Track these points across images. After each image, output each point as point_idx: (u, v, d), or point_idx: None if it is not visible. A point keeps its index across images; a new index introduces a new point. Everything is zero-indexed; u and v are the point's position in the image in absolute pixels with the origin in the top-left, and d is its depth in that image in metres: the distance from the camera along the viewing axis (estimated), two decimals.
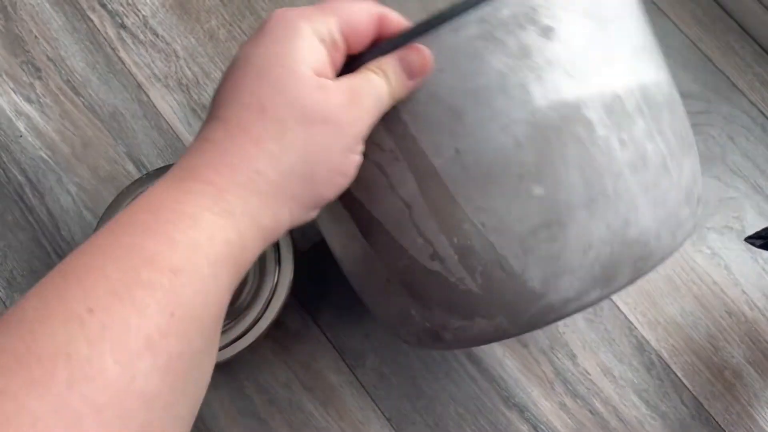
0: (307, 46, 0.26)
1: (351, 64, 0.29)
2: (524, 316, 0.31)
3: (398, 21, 0.30)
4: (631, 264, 0.30)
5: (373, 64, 0.28)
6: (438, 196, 0.30)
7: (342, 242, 0.36)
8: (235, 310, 0.47)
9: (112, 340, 0.20)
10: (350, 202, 0.33)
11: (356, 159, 0.27)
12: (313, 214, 0.27)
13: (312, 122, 0.25)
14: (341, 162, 0.26)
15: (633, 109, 0.30)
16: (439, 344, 0.34)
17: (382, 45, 0.29)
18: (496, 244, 0.30)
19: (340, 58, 0.28)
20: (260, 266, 0.47)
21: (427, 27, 0.28)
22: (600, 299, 0.31)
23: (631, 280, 0.31)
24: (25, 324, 0.20)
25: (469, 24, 0.28)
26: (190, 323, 0.21)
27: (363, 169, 0.30)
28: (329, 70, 0.27)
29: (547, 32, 0.29)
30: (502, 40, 0.28)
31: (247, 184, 0.24)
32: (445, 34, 0.28)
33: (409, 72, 0.28)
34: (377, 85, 0.27)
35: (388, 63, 0.27)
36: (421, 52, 0.28)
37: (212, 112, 0.26)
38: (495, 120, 0.29)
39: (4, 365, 0.19)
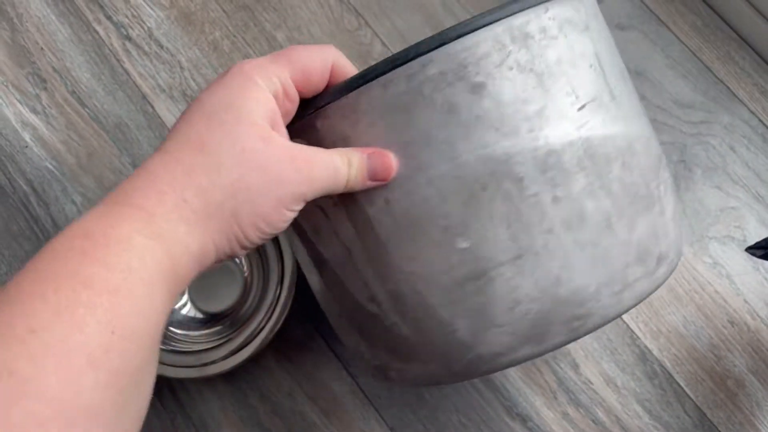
0: (259, 98, 0.27)
1: (301, 109, 0.30)
2: (456, 365, 0.32)
3: (349, 67, 0.31)
4: (564, 323, 0.30)
5: (344, 151, 0.29)
6: (372, 243, 0.31)
7: (307, 272, 0.37)
8: (239, 319, 0.47)
9: (55, 357, 0.20)
10: (305, 241, 0.34)
11: (288, 215, 0.28)
12: (239, 252, 0.28)
13: (250, 167, 0.26)
14: (270, 212, 0.27)
15: (572, 164, 0.29)
16: (388, 381, 0.35)
17: (319, 96, 0.30)
18: (424, 292, 0.30)
19: (292, 108, 0.29)
20: (263, 276, 0.47)
21: (362, 80, 0.29)
22: (534, 356, 0.31)
23: (569, 340, 0.31)
24: None
25: (399, 80, 0.29)
26: (129, 341, 0.22)
27: (311, 212, 0.32)
28: (279, 122, 0.28)
29: (476, 89, 0.29)
30: (430, 96, 0.29)
31: (174, 211, 0.25)
32: (376, 88, 0.29)
33: (372, 173, 0.29)
34: (334, 164, 0.28)
35: (356, 155, 0.29)
36: (387, 159, 0.29)
37: (160, 147, 0.27)
38: (421, 173, 0.29)
39: None
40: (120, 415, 0.22)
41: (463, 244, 0.29)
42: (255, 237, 0.27)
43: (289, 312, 0.45)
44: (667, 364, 0.49)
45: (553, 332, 0.30)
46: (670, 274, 0.34)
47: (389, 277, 0.31)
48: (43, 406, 0.20)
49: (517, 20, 0.29)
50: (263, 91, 0.27)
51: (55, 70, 0.55)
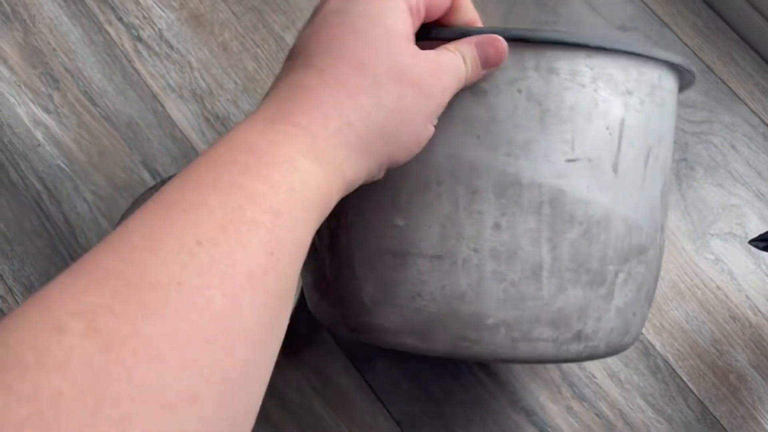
0: (400, 10, 0.26)
1: (421, 35, 0.30)
2: (352, 321, 0.33)
3: (470, 5, 0.31)
4: (452, 336, 0.31)
5: (453, 46, 0.28)
6: None
7: None
8: None
9: (220, 272, 0.20)
10: None
11: (431, 130, 0.28)
12: (382, 174, 0.28)
13: (405, 84, 0.25)
14: (422, 129, 0.27)
15: (530, 204, 0.30)
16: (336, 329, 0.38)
17: (456, 30, 0.30)
18: (353, 245, 0.32)
19: (418, 25, 0.29)
20: None
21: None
22: (418, 350, 0.32)
23: (450, 353, 0.32)
24: (136, 252, 0.20)
25: None
26: (286, 264, 0.22)
27: None
28: (412, 38, 0.27)
29: (478, 93, 0.30)
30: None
31: (338, 135, 0.24)
32: None
33: (484, 61, 0.29)
34: (457, 65, 0.28)
35: (467, 48, 0.28)
36: (499, 43, 0.29)
37: (302, 60, 0.26)
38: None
39: (118, 291, 0.19)
40: (271, 338, 0.22)
41: (399, 222, 0.31)
42: (405, 158, 0.27)
43: (297, 306, 0.46)
44: (670, 359, 0.50)
45: (438, 338, 0.31)
46: (589, 357, 0.33)
47: (336, 220, 0.32)
48: (209, 321, 0.19)
49: (550, 51, 0.29)
50: (403, 5, 0.27)
51: (67, 70, 0.56)
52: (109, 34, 0.57)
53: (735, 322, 0.51)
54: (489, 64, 0.29)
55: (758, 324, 0.50)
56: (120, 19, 0.58)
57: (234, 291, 0.20)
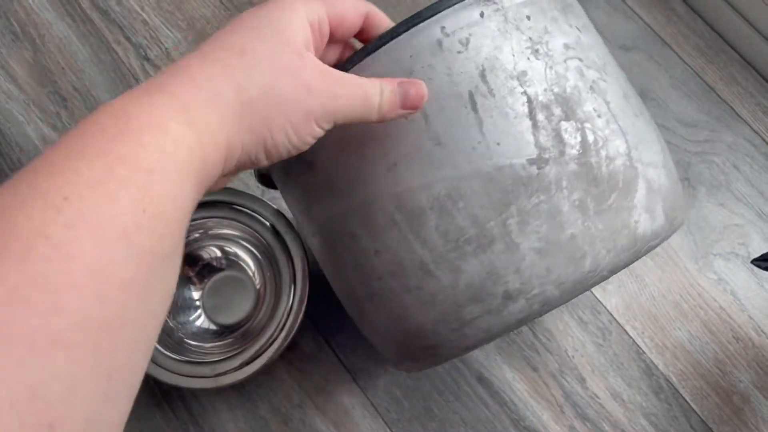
0: (298, 22, 0.28)
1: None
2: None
3: (384, 20, 0.33)
4: (421, 349, 0.35)
5: (374, 80, 0.30)
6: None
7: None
8: (251, 331, 0.48)
9: (89, 226, 0.21)
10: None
11: (316, 131, 0.28)
12: (263, 161, 0.28)
13: (282, 73, 0.27)
14: (299, 121, 0.27)
15: (385, 220, 0.32)
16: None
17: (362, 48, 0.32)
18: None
19: (321, 44, 0.30)
20: (276, 288, 0.48)
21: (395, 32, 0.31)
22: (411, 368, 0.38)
23: (433, 363, 0.36)
24: (2, 211, 0.20)
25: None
26: (160, 222, 0.23)
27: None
28: (311, 50, 0.29)
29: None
30: None
31: (209, 104, 0.25)
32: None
33: (404, 100, 0.30)
34: (367, 90, 0.29)
35: (387, 83, 0.30)
36: (420, 87, 0.30)
37: (193, 52, 0.27)
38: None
39: None
40: (150, 294, 0.23)
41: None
42: (282, 145, 0.28)
43: (301, 324, 0.46)
44: (673, 379, 0.50)
45: (416, 355, 0.35)
46: (542, 307, 0.32)
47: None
48: (78, 268, 0.20)
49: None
50: (303, 18, 0.28)
51: (75, 89, 0.57)
52: (117, 53, 0.58)
53: (738, 342, 0.50)
54: (408, 105, 0.30)
55: (761, 344, 0.50)
56: (128, 38, 0.59)
57: (105, 243, 0.21)
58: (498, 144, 0.31)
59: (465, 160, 0.31)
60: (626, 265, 0.34)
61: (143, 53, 0.58)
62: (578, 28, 0.34)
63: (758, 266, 0.44)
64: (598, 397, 0.50)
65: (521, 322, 0.33)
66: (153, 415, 0.49)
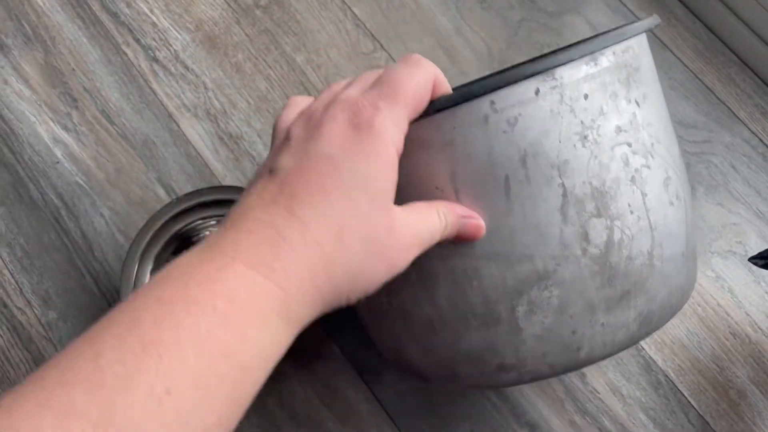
0: (389, 166, 0.27)
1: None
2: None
3: (445, 85, 0.31)
4: (442, 379, 0.38)
5: (440, 208, 0.30)
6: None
7: None
8: None
9: (181, 424, 0.21)
10: None
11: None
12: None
13: (374, 259, 0.27)
14: (373, 287, 0.28)
15: (404, 277, 0.31)
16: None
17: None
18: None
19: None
20: None
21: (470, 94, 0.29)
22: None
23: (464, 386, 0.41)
24: (106, 391, 0.20)
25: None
26: (239, 413, 0.25)
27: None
28: (394, 192, 0.28)
29: None
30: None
31: (308, 298, 0.26)
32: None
33: (462, 234, 0.30)
34: (433, 229, 0.29)
35: (452, 217, 0.30)
36: (479, 225, 0.30)
37: (286, 201, 0.26)
38: None
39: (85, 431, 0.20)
40: None
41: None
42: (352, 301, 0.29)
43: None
44: (671, 375, 0.51)
45: (409, 372, 0.39)
46: (532, 379, 0.34)
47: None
48: None
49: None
50: (393, 154, 0.27)
51: (85, 89, 0.58)
52: (126, 55, 0.59)
53: (735, 338, 0.52)
54: (463, 237, 0.30)
55: (758, 340, 0.51)
56: (137, 40, 0.60)
57: None
58: (523, 234, 0.30)
59: (487, 242, 0.31)
60: (621, 351, 0.35)
61: (152, 55, 0.59)
62: (638, 102, 0.32)
63: (755, 264, 0.45)
64: (597, 392, 0.51)
65: (510, 385, 0.36)
66: None
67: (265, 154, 0.57)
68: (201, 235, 0.51)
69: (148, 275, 0.49)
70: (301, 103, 0.32)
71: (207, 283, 0.24)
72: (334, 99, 0.29)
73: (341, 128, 0.27)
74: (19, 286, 0.54)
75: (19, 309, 0.53)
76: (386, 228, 0.27)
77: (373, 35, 0.60)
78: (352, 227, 0.26)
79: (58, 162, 0.57)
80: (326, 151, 0.27)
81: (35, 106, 0.58)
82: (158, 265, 0.50)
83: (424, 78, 0.29)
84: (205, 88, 0.59)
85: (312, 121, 0.29)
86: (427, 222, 0.29)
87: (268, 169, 0.28)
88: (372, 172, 0.27)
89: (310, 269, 0.26)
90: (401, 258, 0.28)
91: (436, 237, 0.29)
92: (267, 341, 0.24)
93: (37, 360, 0.52)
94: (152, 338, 0.22)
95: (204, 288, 0.24)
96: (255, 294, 0.24)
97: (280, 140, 0.30)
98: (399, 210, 0.28)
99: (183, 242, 0.51)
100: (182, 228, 0.51)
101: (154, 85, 0.59)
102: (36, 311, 0.53)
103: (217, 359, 0.22)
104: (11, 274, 0.54)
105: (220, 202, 0.51)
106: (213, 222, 0.51)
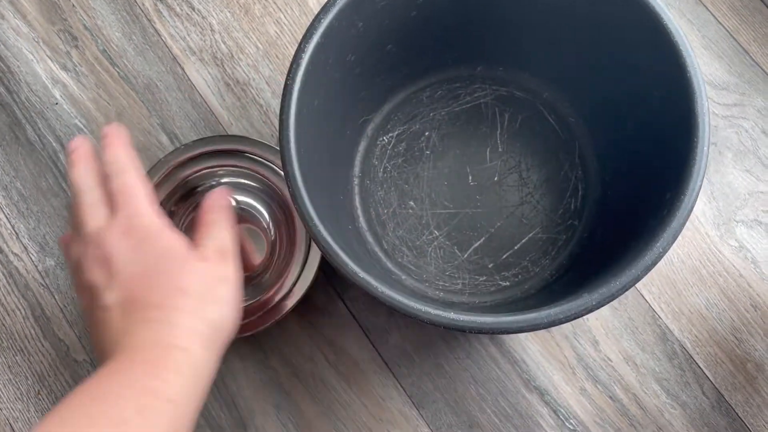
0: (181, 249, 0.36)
1: None
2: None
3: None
4: None
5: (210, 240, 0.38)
6: None
7: None
8: (263, 283, 0.48)
9: None
10: None
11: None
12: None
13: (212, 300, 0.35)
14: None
15: None
16: None
17: None
18: None
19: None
20: (290, 240, 0.48)
21: None
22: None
23: None
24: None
25: None
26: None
27: None
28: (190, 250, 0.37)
29: None
30: None
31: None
32: None
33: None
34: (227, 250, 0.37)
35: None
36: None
37: (156, 314, 0.32)
38: None
39: None
40: None
41: None
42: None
43: (314, 278, 0.46)
44: (687, 345, 0.49)
45: None
46: None
47: None
48: None
49: None
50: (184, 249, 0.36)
51: (86, 27, 0.55)
52: None
53: (756, 310, 0.50)
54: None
55: None
56: None
57: None
58: None
59: None
60: None
61: None
62: None
63: None
64: (610, 360, 0.49)
65: None
66: None
67: (273, 102, 0.54)
68: (207, 183, 0.49)
69: None
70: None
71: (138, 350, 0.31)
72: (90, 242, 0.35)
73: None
74: (15, 231, 0.52)
75: (16, 255, 0.51)
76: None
77: None
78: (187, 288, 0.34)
79: (56, 103, 0.54)
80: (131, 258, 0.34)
81: (33, 43, 0.55)
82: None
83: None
84: (212, 30, 0.55)
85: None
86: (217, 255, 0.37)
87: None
88: (166, 251, 0.35)
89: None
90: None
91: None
92: (189, 376, 0.31)
93: (34, 307, 0.50)
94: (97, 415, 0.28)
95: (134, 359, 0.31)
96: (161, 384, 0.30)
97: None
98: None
99: (188, 191, 0.49)
100: (188, 176, 0.48)
101: (158, 26, 0.56)
102: (32, 258, 0.51)
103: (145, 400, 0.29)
104: (7, 218, 0.52)
105: (225, 151, 0.48)
106: (221, 171, 0.48)
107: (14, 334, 0.50)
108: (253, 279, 0.49)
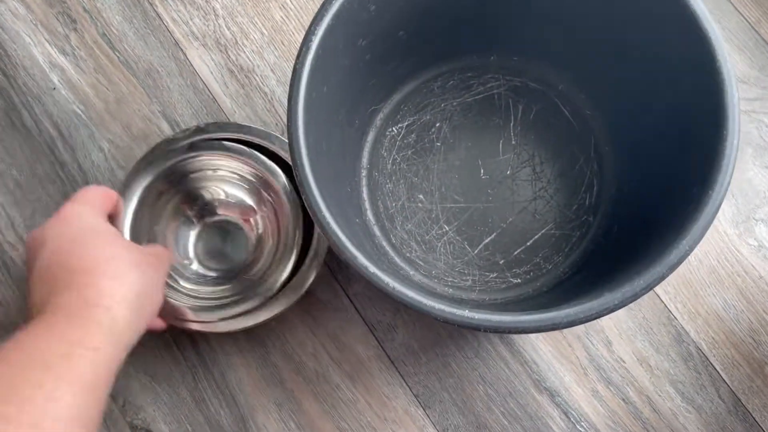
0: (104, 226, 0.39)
1: None
2: None
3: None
4: None
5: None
6: None
7: None
8: (251, 278, 0.46)
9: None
10: None
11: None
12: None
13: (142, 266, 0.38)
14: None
15: None
16: None
17: None
18: None
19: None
20: (278, 233, 0.45)
21: None
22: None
23: None
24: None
25: None
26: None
27: None
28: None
29: None
30: None
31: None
32: None
33: None
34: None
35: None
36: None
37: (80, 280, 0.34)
38: None
39: None
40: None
41: None
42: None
43: (319, 272, 0.44)
44: (704, 347, 0.48)
45: None
46: None
47: None
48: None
49: None
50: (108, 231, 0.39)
51: (85, 10, 0.54)
52: None
53: None
54: None
55: None
56: None
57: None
58: None
59: None
60: None
61: None
62: None
63: None
64: (623, 362, 0.48)
65: None
66: (162, 359, 0.48)
67: (278, 90, 0.52)
68: (194, 174, 0.47)
69: (135, 204, 0.45)
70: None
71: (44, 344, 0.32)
72: None
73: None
74: (10, 220, 0.50)
75: (10, 244, 0.50)
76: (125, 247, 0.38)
77: None
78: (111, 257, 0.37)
79: (54, 88, 0.52)
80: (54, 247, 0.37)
81: (31, 26, 0.53)
82: (148, 196, 0.46)
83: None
84: (216, 14, 0.54)
85: None
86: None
87: None
88: (89, 226, 0.38)
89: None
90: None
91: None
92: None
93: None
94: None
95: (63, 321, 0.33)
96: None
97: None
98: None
99: (179, 176, 0.47)
100: (179, 162, 0.46)
101: (160, 9, 0.54)
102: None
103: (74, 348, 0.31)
104: (2, 206, 0.50)
105: (216, 140, 0.46)
106: (221, 161, 0.47)
107: (8, 326, 0.48)
108: (239, 273, 0.47)
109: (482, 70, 0.48)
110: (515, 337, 0.48)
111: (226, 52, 0.53)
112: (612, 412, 0.47)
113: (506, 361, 0.48)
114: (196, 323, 0.43)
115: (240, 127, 0.47)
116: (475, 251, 0.46)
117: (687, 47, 0.35)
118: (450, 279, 0.46)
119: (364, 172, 0.48)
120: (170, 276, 0.45)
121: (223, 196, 0.48)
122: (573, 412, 0.47)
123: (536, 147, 0.48)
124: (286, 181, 0.45)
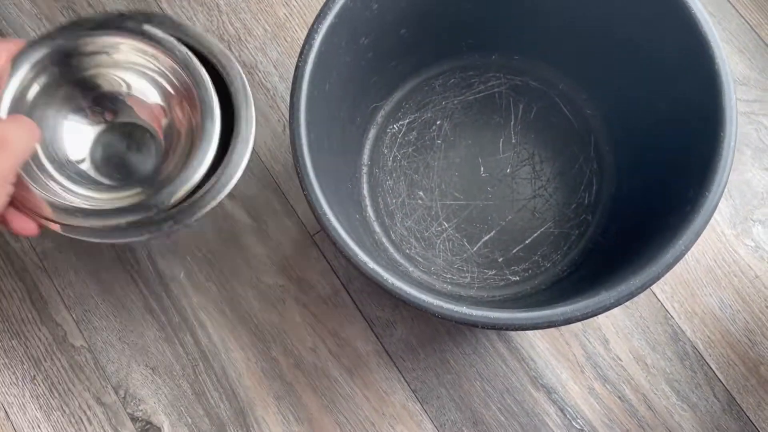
0: None
1: None
2: None
3: None
4: None
5: None
6: None
7: None
8: (161, 179, 0.38)
9: None
10: None
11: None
12: None
13: None
14: None
15: None
16: None
17: None
18: None
19: None
20: (192, 132, 0.39)
21: None
22: None
23: None
24: None
25: None
26: None
27: None
28: None
29: None
30: None
31: None
32: None
33: None
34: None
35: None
36: None
37: None
38: None
39: None
40: None
41: None
42: None
43: (320, 268, 0.44)
44: (700, 346, 0.48)
45: None
46: None
47: None
48: None
49: None
50: None
51: (89, 4, 0.54)
52: None
53: None
54: None
55: None
56: None
57: None
58: None
59: None
60: None
61: None
62: None
63: None
64: (620, 360, 0.48)
65: None
66: (163, 352, 0.48)
67: (280, 86, 0.53)
68: (92, 59, 0.39)
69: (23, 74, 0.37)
70: None
71: None
72: None
73: None
74: None
75: (12, 236, 0.50)
76: None
77: None
78: None
79: None
80: None
81: (35, 20, 0.54)
82: (41, 73, 0.37)
83: None
84: (219, 10, 0.54)
85: None
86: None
87: None
88: None
89: None
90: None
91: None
92: None
93: (31, 290, 0.49)
94: None
95: None
96: None
97: None
98: None
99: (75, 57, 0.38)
100: (81, 38, 0.38)
101: (164, 5, 0.54)
102: (30, 239, 0.50)
103: None
104: None
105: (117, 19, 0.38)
106: (112, 44, 0.38)
107: (10, 317, 0.49)
108: (138, 180, 0.40)
109: (483, 68, 0.49)
110: (513, 334, 0.49)
111: (230, 48, 0.53)
112: (608, 410, 0.47)
113: (504, 357, 0.48)
114: (58, 224, 0.36)
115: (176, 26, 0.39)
116: (474, 248, 0.47)
117: (686, 49, 0.35)
118: (449, 276, 0.46)
119: (364, 169, 0.48)
120: (44, 170, 0.38)
121: (124, 89, 0.40)
122: (569, 409, 0.47)
123: (536, 146, 0.48)
124: (204, 75, 0.38)
